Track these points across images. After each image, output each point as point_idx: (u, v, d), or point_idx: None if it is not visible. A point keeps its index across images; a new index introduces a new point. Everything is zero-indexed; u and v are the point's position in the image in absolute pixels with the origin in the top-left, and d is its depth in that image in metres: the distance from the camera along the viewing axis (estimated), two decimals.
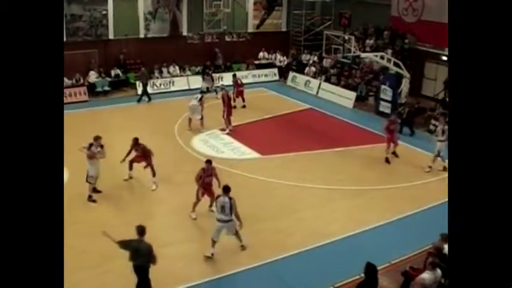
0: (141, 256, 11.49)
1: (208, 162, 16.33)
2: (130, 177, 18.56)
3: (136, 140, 18.27)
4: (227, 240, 14.50)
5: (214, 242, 13.86)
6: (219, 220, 13.85)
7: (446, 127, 19.67)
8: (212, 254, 13.86)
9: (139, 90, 30.15)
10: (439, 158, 20.14)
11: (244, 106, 28.32)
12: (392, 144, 21.51)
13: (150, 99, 29.63)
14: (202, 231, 15.18)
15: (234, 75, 30.39)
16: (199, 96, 25.48)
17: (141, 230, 11.63)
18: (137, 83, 30.58)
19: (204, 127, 24.80)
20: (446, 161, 19.50)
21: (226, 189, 13.95)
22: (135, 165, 18.42)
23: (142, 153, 18.30)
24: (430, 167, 20.17)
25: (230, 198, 13.77)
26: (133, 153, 18.28)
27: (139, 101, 29.32)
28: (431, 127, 25.36)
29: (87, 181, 16.88)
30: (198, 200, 15.99)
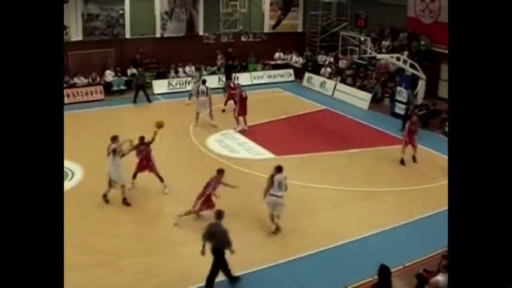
0: (216, 239, 12.20)
1: (221, 171, 16.09)
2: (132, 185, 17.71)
3: (142, 138, 17.53)
4: (241, 240, 14.54)
5: (272, 217, 15.25)
6: (272, 195, 15.10)
7: None
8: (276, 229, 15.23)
9: (154, 90, 30.45)
10: None
11: (223, 110, 27.52)
12: (410, 147, 21.41)
13: (149, 100, 29.66)
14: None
15: (227, 80, 31.03)
16: (204, 89, 25.55)
17: (218, 214, 12.45)
18: (133, 84, 30.35)
19: (214, 120, 25.24)
20: None
21: (280, 168, 15.26)
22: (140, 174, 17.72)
23: (145, 156, 17.47)
24: None
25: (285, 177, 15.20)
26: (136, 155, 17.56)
27: (134, 101, 29.22)
28: (447, 129, 25.26)
29: (110, 186, 16.76)
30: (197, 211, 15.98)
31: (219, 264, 12.41)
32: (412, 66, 27.77)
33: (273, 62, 36.97)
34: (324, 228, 15.60)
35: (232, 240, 14.06)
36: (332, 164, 20.94)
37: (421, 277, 11.70)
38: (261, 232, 14.88)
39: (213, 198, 15.73)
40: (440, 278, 10.76)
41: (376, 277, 10.62)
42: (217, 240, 12.24)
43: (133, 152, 17.37)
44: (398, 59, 28.22)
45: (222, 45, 35.37)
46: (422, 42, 31.14)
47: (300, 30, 39.16)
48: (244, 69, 35.35)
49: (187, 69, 33.22)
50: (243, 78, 33.07)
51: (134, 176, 17.60)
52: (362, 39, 28.92)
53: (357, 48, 29.21)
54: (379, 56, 29.86)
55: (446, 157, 20.44)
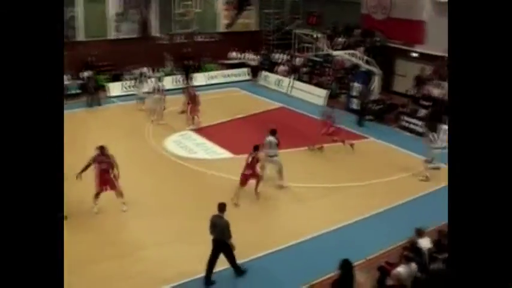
0: (218, 230, 12.59)
1: (101, 148, 16.01)
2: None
3: (102, 149, 16.11)
4: (202, 240, 14.49)
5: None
6: (268, 156, 18.13)
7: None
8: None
9: (110, 93, 30.11)
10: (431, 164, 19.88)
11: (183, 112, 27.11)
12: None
13: (99, 104, 29.27)
14: (179, 233, 15.15)
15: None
16: (160, 87, 26.07)
17: (221, 207, 12.77)
18: (88, 87, 29.80)
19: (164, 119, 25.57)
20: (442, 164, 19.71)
21: (273, 131, 18.46)
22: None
23: (106, 169, 16.10)
24: (426, 177, 19.66)
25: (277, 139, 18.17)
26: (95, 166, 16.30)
27: (90, 105, 28.95)
28: (403, 123, 25.59)
29: None
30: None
31: (217, 255, 12.80)
32: (367, 62, 28.01)
33: (228, 62, 36.90)
34: (286, 226, 15.62)
35: (194, 241, 14.07)
36: (292, 161, 20.91)
37: (383, 269, 11.78)
38: None
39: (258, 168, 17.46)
40: (402, 269, 10.88)
41: (339, 272, 10.64)
42: (219, 231, 12.62)
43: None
44: (353, 55, 28.44)
45: (177, 45, 35.11)
46: (377, 38, 31.46)
47: (254, 29, 39.18)
48: (200, 69, 35.13)
49: (142, 70, 32.86)
50: (199, 79, 32.95)
51: (96, 197, 16.18)
52: (317, 36, 29.02)
53: (312, 46, 29.29)
54: (334, 52, 30.03)
55: (403, 150, 20.91)
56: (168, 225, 15.61)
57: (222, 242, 12.72)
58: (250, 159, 17.23)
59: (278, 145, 18.33)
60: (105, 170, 16.05)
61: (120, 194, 16.32)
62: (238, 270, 13.19)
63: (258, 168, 17.53)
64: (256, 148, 17.40)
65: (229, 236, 12.62)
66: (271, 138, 18.28)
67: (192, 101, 25.12)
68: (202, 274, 12.96)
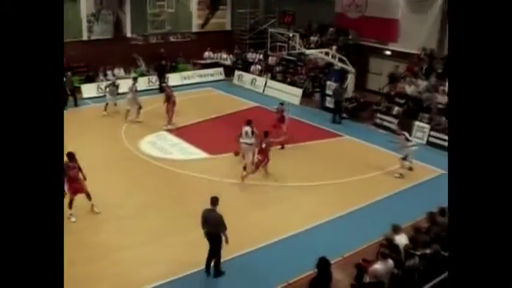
0: (210, 224, 12.70)
1: (69, 155, 15.65)
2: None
3: (69, 156, 15.65)
4: (181, 240, 14.46)
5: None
6: (242, 143, 19.54)
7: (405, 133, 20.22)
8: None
9: (84, 94, 29.84)
10: (406, 162, 20.04)
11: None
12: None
13: (76, 105, 28.93)
14: (154, 234, 15.06)
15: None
16: (134, 87, 26.22)
17: (213, 200, 12.81)
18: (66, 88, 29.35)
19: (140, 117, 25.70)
20: (413, 161, 19.94)
21: (249, 122, 19.92)
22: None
23: (76, 173, 15.74)
24: (401, 174, 19.86)
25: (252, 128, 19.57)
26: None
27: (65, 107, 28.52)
28: (378, 121, 25.74)
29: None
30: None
31: (214, 248, 12.94)
32: (340, 60, 28.11)
33: (202, 62, 36.77)
34: (262, 225, 15.61)
35: (169, 242, 14.01)
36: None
37: (360, 266, 11.82)
38: (198, 233, 14.77)
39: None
40: (379, 266, 10.92)
41: (316, 270, 10.65)
42: (212, 225, 12.69)
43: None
44: (327, 53, 28.52)
45: (151, 46, 34.88)
46: (350, 37, 31.61)
47: (228, 28, 39.10)
48: (174, 69, 34.97)
49: (116, 71, 32.70)
50: (173, 79, 32.78)
51: (70, 205, 15.63)
52: (290, 35, 29.05)
53: (285, 45, 29.30)
54: (308, 51, 30.08)
55: (378, 148, 21.02)
56: (143, 226, 15.51)
57: (215, 236, 12.80)
58: (264, 145, 18.61)
59: (253, 134, 19.59)
60: (74, 177, 15.71)
61: (89, 197, 16.09)
62: (218, 271, 13.19)
63: (270, 152, 18.95)
64: (266, 134, 18.89)
65: (225, 228, 12.72)
66: (247, 128, 19.64)
67: (168, 100, 25.17)
68: (179, 275, 12.98)
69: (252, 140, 19.55)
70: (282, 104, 23.56)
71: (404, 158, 19.73)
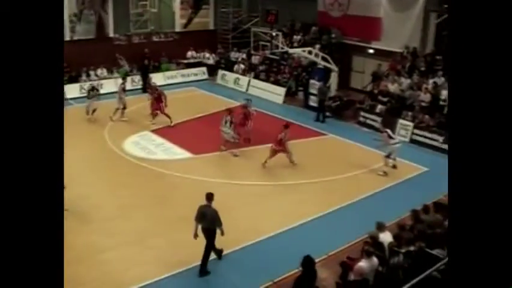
0: (207, 220, 13.05)
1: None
2: None
3: None
4: (163, 240, 14.42)
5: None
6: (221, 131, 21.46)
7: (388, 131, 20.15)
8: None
9: (67, 95, 29.61)
10: (389, 160, 20.06)
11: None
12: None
13: None
14: (139, 235, 15.00)
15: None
16: (123, 86, 26.44)
17: (209, 196, 13.21)
18: None
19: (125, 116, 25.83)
20: (396, 159, 20.00)
21: (230, 111, 22.08)
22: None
23: None
24: (385, 172, 19.87)
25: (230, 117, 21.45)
26: None
27: None
28: (361, 119, 25.81)
29: None
30: None
31: (210, 243, 13.26)
32: (324, 59, 28.16)
33: (185, 61, 36.66)
34: (246, 224, 15.59)
35: (153, 243, 13.98)
36: (250, 160, 20.98)
37: (345, 264, 11.84)
38: (182, 233, 14.76)
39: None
40: (363, 263, 10.94)
41: (301, 268, 10.66)
42: (209, 220, 13.02)
43: None
44: (310, 52, 28.55)
45: (134, 46, 34.74)
46: (333, 35, 31.66)
47: (211, 27, 39.02)
48: (157, 69, 34.85)
49: (99, 72, 32.52)
50: (157, 79, 32.61)
51: None
52: (273, 34, 29.07)
53: (268, 44, 29.32)
54: (291, 50, 30.11)
55: (362, 146, 21.09)
56: (127, 227, 15.45)
57: (211, 231, 13.13)
58: (283, 135, 19.94)
59: (231, 123, 21.52)
60: None
61: None
62: (203, 270, 13.24)
63: (287, 145, 20.19)
64: (286, 126, 20.10)
65: (220, 223, 13.05)
66: (227, 118, 21.49)
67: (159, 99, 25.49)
68: (165, 275, 12.97)
69: (229, 131, 21.43)
70: (248, 100, 23.49)
71: (388, 156, 19.78)
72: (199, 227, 13.17)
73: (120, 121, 25.50)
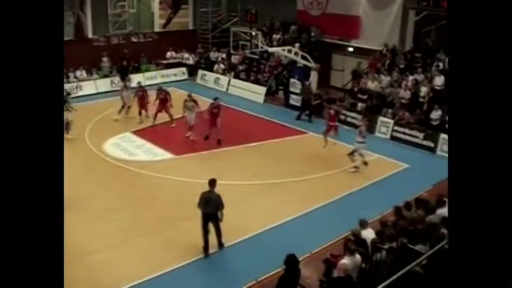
0: (211, 205, 13.55)
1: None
2: None
3: None
4: (145, 242, 14.38)
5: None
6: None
7: (363, 128, 19.98)
8: None
9: None
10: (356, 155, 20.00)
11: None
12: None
13: None
14: (122, 236, 14.96)
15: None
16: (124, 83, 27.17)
17: (211, 182, 13.79)
18: None
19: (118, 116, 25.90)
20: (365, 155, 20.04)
21: (190, 95, 23.62)
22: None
23: None
24: (356, 167, 19.96)
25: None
26: None
27: None
28: (342, 117, 25.87)
29: None
30: None
31: (217, 227, 13.97)
32: (303, 57, 28.22)
33: (165, 62, 36.53)
34: (229, 223, 15.49)
35: (137, 244, 13.92)
36: (232, 159, 20.98)
37: (329, 262, 11.86)
38: (165, 234, 14.75)
39: None
40: (347, 260, 10.97)
41: (284, 267, 10.67)
42: (213, 206, 13.55)
43: None
44: (289, 51, 28.61)
45: (113, 47, 34.58)
46: (313, 34, 31.76)
47: (191, 27, 38.94)
48: (137, 70, 34.67)
49: (78, 73, 32.28)
50: (136, 79, 32.47)
51: None
52: (253, 33, 29.09)
53: (248, 43, 29.35)
54: (270, 49, 30.17)
55: (343, 144, 21.16)
56: (111, 228, 15.38)
57: (212, 215, 13.68)
58: (332, 112, 22.10)
59: (194, 108, 23.17)
60: None
61: None
62: (221, 244, 14.26)
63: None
64: (331, 101, 22.14)
65: (223, 207, 13.67)
66: (189, 104, 23.15)
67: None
68: (149, 277, 12.91)
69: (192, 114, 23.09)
70: (216, 99, 23.30)
71: (351, 154, 19.84)
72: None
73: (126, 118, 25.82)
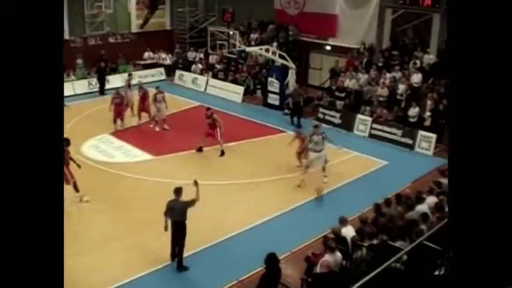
0: (176, 213, 13.35)
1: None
2: None
3: (67, 141, 17.09)
4: (125, 243, 14.30)
5: None
6: None
7: (320, 137, 18.68)
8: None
9: None
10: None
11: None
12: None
13: None
14: (104, 238, 14.88)
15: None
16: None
17: (177, 191, 13.58)
18: None
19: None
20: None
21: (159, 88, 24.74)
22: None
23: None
24: (302, 180, 18.52)
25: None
26: None
27: None
28: (320, 115, 25.94)
29: None
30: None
31: (182, 234, 13.46)
32: (281, 56, 28.25)
33: (143, 62, 36.35)
34: (209, 224, 15.53)
35: (115, 247, 13.85)
36: (211, 159, 20.94)
37: (310, 260, 11.87)
38: (144, 236, 14.68)
39: None
40: (329, 258, 10.99)
41: (265, 266, 10.67)
42: (178, 213, 13.33)
43: None
44: (267, 50, 28.61)
45: (90, 48, 34.33)
46: (290, 33, 31.81)
47: (168, 28, 38.80)
48: (114, 71, 34.44)
49: None
50: (114, 80, 32.33)
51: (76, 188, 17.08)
52: (230, 33, 29.07)
53: (226, 43, 29.33)
54: (248, 49, 30.18)
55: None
56: (89, 231, 15.27)
57: (181, 224, 13.38)
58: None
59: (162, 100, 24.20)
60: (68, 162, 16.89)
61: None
62: (180, 264, 13.53)
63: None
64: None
65: (193, 204, 13.49)
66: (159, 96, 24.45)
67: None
68: (126, 280, 12.85)
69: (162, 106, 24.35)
70: (208, 109, 22.68)
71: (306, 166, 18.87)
72: (169, 221, 13.45)
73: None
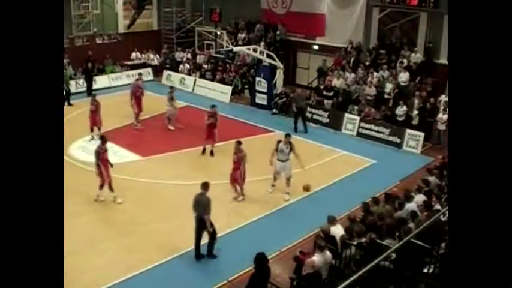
0: (200, 208, 13.51)
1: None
2: None
3: (104, 139, 17.52)
4: (114, 244, 14.27)
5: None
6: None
7: (286, 146, 17.99)
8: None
9: None
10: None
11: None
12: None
13: None
14: (93, 240, 14.84)
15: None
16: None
17: (204, 185, 13.73)
18: None
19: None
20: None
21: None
22: None
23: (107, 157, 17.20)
24: (273, 185, 18.32)
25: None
26: None
27: None
28: (308, 114, 25.96)
29: None
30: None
31: (200, 232, 13.74)
32: (269, 56, 28.27)
33: (130, 63, 36.22)
34: None
35: (105, 248, 13.80)
36: (199, 159, 20.93)
37: (298, 259, 11.89)
38: (132, 237, 14.64)
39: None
40: (316, 257, 11.01)
41: (254, 265, 10.68)
42: (201, 208, 13.47)
43: None
44: (255, 50, 28.63)
45: (77, 48, 34.14)
46: (278, 32, 31.86)
47: (155, 28, 38.72)
48: (102, 71, 34.29)
49: None
50: (101, 81, 32.23)
51: (111, 188, 17.20)
52: (218, 33, 29.07)
53: (213, 43, 29.33)
54: (236, 48, 30.18)
55: (310, 141, 21.19)
56: (77, 233, 15.15)
57: (200, 219, 13.52)
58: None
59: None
60: (106, 160, 17.28)
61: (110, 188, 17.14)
62: (211, 252, 13.92)
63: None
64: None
65: (207, 213, 13.39)
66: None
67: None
68: (116, 281, 12.84)
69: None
70: (213, 106, 22.76)
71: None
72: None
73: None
